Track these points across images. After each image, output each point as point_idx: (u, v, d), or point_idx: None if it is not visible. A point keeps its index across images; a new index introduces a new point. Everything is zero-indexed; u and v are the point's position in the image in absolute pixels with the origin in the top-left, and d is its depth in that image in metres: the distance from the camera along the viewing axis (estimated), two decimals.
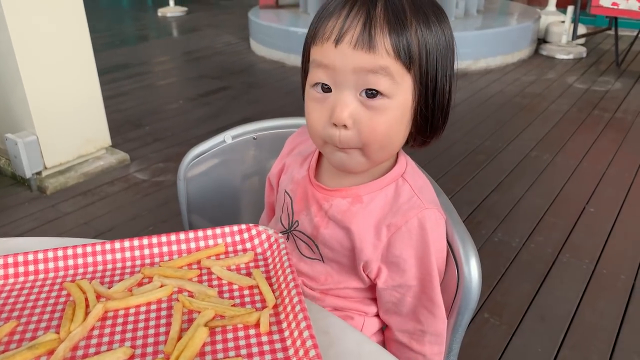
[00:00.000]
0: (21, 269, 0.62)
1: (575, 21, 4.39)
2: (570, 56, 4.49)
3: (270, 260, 0.65)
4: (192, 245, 0.66)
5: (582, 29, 4.68)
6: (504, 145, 2.86)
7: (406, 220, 0.69)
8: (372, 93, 0.64)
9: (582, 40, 4.73)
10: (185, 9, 6.99)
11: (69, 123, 2.48)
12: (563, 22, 4.66)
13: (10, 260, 0.62)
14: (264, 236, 0.67)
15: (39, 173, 2.46)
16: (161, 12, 6.92)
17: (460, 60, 3.46)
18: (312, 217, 0.76)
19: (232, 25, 6.11)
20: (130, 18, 7.25)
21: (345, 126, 0.65)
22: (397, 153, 0.75)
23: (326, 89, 0.66)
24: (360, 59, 0.62)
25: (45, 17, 2.28)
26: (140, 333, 0.54)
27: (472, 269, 0.68)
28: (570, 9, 4.42)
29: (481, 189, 2.40)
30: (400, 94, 0.65)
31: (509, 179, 2.51)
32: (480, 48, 4.20)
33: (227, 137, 0.98)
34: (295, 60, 4.41)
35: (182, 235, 0.66)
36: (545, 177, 2.53)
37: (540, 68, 4.27)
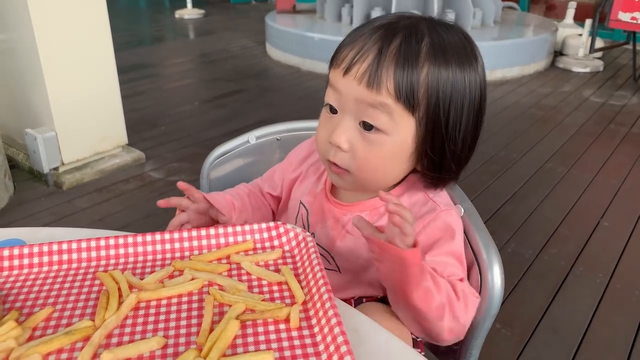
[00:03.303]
0: (55, 258, 0.63)
1: (593, 34, 4.37)
2: (587, 69, 4.47)
3: (298, 258, 0.66)
4: (222, 240, 0.67)
5: (599, 43, 4.66)
6: (519, 156, 2.85)
7: (423, 224, 0.70)
8: (368, 125, 0.66)
9: (599, 54, 4.70)
10: (202, 11, 7.06)
11: (87, 120, 2.51)
12: (580, 35, 4.65)
13: (45, 248, 0.64)
14: (292, 234, 0.68)
15: (56, 169, 2.49)
16: (178, 14, 6.99)
17: None
18: (328, 230, 0.78)
19: (248, 29, 6.16)
20: (148, 19, 7.34)
21: (340, 148, 0.67)
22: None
23: (334, 110, 0.69)
24: (361, 93, 0.64)
25: (69, 16, 2.32)
26: (172, 324, 0.55)
27: (495, 275, 0.69)
28: (588, 22, 4.40)
29: (495, 199, 2.40)
30: (398, 133, 0.66)
31: (523, 190, 2.50)
32: (496, 59, 4.20)
33: (251, 137, 0.99)
34: (311, 65, 4.43)
35: (212, 231, 0.68)
36: (560, 189, 2.52)
37: (557, 80, 4.26)
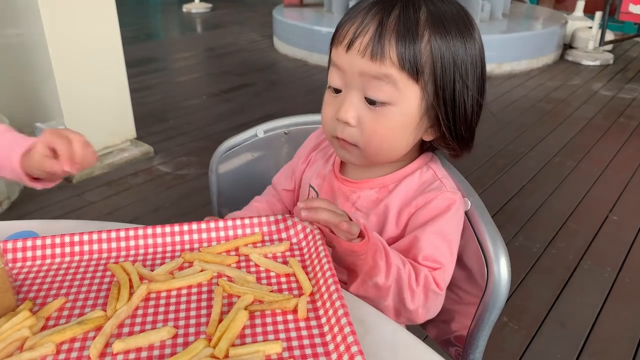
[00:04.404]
0: (67, 249, 0.65)
1: (603, 27, 4.33)
2: (597, 62, 4.43)
3: (305, 250, 0.66)
4: (230, 232, 0.68)
5: (609, 35, 4.62)
6: (527, 150, 2.84)
7: (426, 200, 0.72)
8: (372, 101, 0.67)
9: (609, 47, 4.66)
10: (210, 5, 7.06)
11: (96, 114, 2.53)
12: (590, 27, 4.60)
13: (58, 240, 0.65)
14: (299, 227, 0.69)
15: None
16: (186, 8, 7.00)
17: None
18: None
19: (255, 23, 6.16)
20: (155, 13, 7.35)
21: (348, 123, 0.69)
22: (423, 147, 0.77)
23: (338, 90, 0.71)
24: (365, 65, 0.66)
25: (78, 11, 2.33)
26: (182, 314, 0.56)
27: (502, 267, 0.69)
28: (598, 14, 4.36)
29: (503, 193, 2.39)
30: (404, 102, 0.67)
31: (531, 184, 2.49)
32: (504, 52, 4.17)
33: (259, 131, 1.00)
34: (318, 58, 4.42)
35: (221, 223, 0.69)
36: (568, 183, 2.51)
37: (566, 74, 4.23)
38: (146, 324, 0.54)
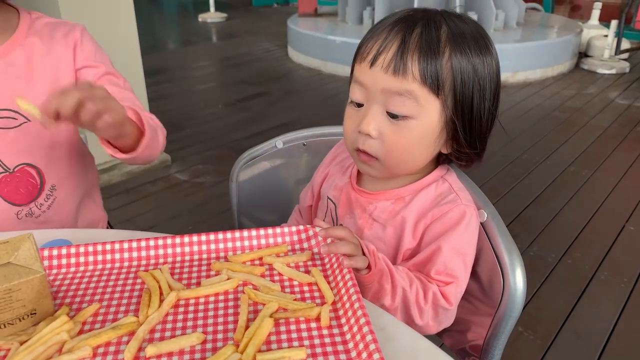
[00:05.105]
0: (99, 257, 0.68)
1: (619, 35, 4.31)
2: (613, 71, 4.41)
3: (327, 260, 0.69)
4: (254, 242, 0.71)
5: (625, 44, 4.59)
6: (542, 159, 2.83)
7: (442, 212, 0.74)
8: (393, 115, 0.70)
9: (625, 55, 4.63)
10: (225, 15, 7.16)
11: None
12: (606, 36, 4.58)
13: (91, 248, 0.68)
14: (320, 237, 0.71)
15: None
16: (202, 17, 7.11)
17: None
18: (356, 219, 0.82)
19: (270, 33, 6.22)
20: (172, 22, 7.47)
21: (370, 135, 0.71)
22: (438, 160, 0.80)
23: (360, 105, 0.73)
24: (388, 81, 0.69)
25: (98, 21, 2.39)
26: (210, 321, 0.58)
27: (518, 278, 0.71)
28: (613, 23, 4.34)
29: (518, 202, 2.39)
30: (425, 116, 0.70)
31: (546, 193, 2.49)
32: (519, 61, 4.17)
33: (279, 142, 1.02)
34: (332, 68, 4.46)
35: (245, 233, 0.72)
36: (584, 192, 2.50)
37: (581, 82, 4.21)
38: (176, 329, 0.57)
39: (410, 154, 0.73)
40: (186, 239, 0.70)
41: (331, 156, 0.94)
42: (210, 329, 0.57)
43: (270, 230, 0.72)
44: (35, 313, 0.58)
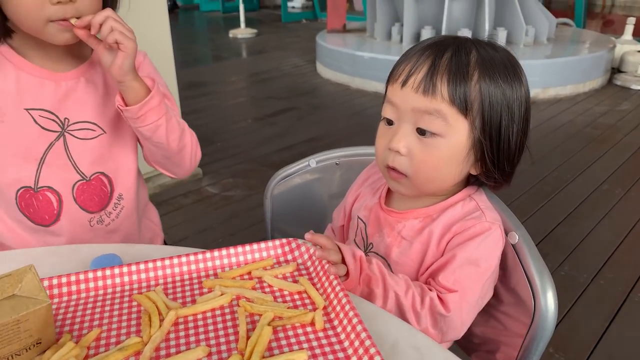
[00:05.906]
0: (91, 285, 0.71)
1: None
2: None
3: (312, 269, 0.74)
4: (242, 258, 0.76)
5: None
6: (573, 176, 2.79)
7: (464, 227, 0.76)
8: (424, 131, 0.73)
9: None
10: (255, 31, 7.31)
11: None
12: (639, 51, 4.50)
13: (82, 277, 0.71)
14: (303, 249, 0.76)
15: None
16: (232, 33, 7.27)
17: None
18: (384, 238, 0.84)
19: (299, 48, 6.32)
20: (203, 38, 7.66)
21: (399, 152, 0.74)
22: (468, 182, 0.82)
23: (391, 122, 0.77)
24: (418, 101, 0.72)
25: (136, 34, 2.48)
26: (212, 334, 0.62)
27: (549, 301, 0.71)
28: None
29: (548, 221, 2.36)
30: (453, 135, 0.73)
31: (577, 211, 2.45)
32: (549, 76, 4.13)
33: (312, 161, 1.06)
34: (360, 83, 4.50)
35: (232, 250, 0.76)
36: (617, 212, 2.45)
37: (614, 98, 4.14)
38: (180, 345, 0.60)
39: (438, 172, 0.75)
40: (175, 260, 0.74)
41: (363, 177, 0.97)
42: (213, 341, 0.61)
43: (255, 246, 0.77)
44: (40, 342, 0.59)
